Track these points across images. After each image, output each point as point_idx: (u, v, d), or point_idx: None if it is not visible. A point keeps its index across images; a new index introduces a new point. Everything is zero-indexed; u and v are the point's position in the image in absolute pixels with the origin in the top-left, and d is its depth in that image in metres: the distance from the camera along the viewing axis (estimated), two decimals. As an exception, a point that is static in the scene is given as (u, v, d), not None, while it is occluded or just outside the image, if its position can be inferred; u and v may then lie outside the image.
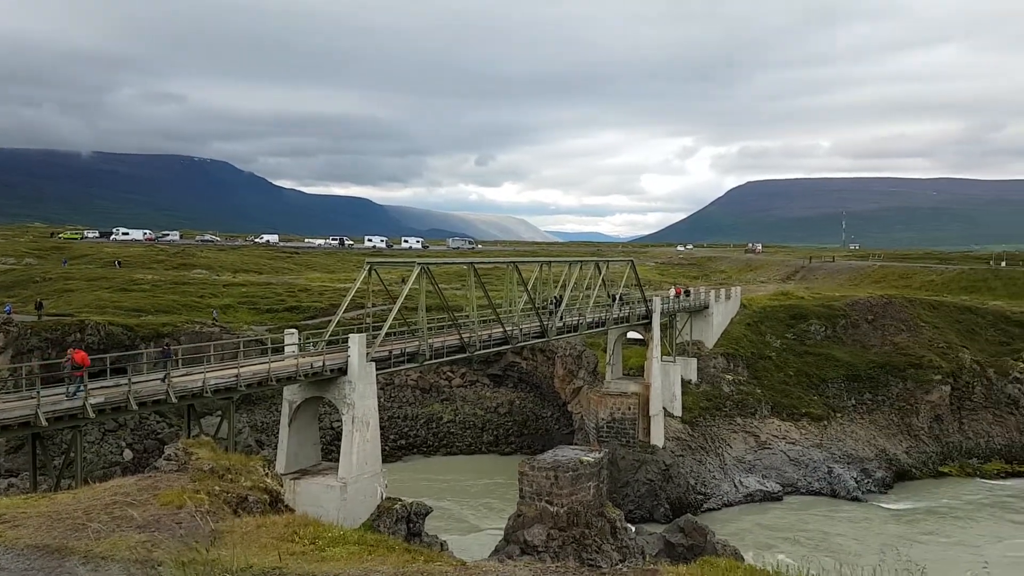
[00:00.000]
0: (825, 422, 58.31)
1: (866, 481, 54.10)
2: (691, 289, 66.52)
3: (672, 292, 63.10)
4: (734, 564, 9.85)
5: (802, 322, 66.47)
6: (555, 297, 44.49)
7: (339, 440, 31.24)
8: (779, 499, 51.49)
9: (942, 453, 59.65)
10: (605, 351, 55.44)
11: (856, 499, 51.90)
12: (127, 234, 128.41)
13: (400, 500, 31.24)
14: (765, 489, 51.88)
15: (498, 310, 38.89)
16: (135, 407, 23.49)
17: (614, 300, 48.65)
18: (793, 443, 56.11)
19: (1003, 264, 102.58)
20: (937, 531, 46.20)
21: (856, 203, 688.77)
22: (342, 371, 29.76)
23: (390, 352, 32.24)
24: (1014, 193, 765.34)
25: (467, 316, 37.62)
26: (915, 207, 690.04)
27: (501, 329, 38.15)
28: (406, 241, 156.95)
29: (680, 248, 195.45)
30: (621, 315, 49.90)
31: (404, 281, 39.88)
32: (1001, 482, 56.57)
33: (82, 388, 22.48)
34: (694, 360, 58.16)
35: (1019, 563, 40.45)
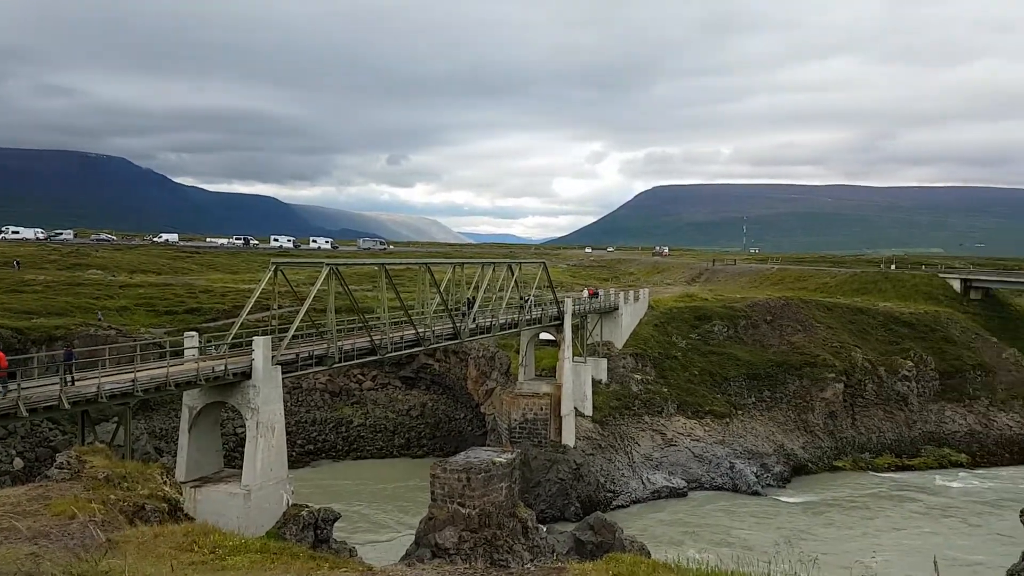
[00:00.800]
0: (727, 419, 60.27)
1: (766, 476, 56.22)
2: (599, 291, 67.64)
3: (585, 293, 64.01)
4: (638, 560, 10.01)
5: (706, 323, 68.54)
6: (468, 299, 44.45)
7: (243, 446, 30.27)
8: (684, 495, 52.93)
9: (836, 448, 62.52)
10: (518, 352, 55.76)
11: (756, 493, 53.86)
12: (17, 232, 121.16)
13: (307, 507, 30.52)
14: (671, 485, 53.25)
15: (410, 312, 38.56)
16: (25, 413, 22.18)
17: (522, 302, 48.82)
18: (698, 440, 57.76)
19: (893, 267, 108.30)
20: (832, 523, 48.42)
21: (756, 208, 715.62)
22: (246, 375, 28.85)
23: (297, 355, 31.50)
24: (904, 199, 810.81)
25: (378, 318, 37.12)
26: (812, 213, 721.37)
27: (413, 331, 37.83)
28: (314, 241, 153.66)
29: (588, 250, 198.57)
30: (533, 316, 50.27)
31: (313, 282, 39.06)
32: (891, 475, 59.75)
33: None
34: (604, 360, 59.15)
35: (906, 551, 42.74)
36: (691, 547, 40.37)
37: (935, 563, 9.45)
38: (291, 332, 31.29)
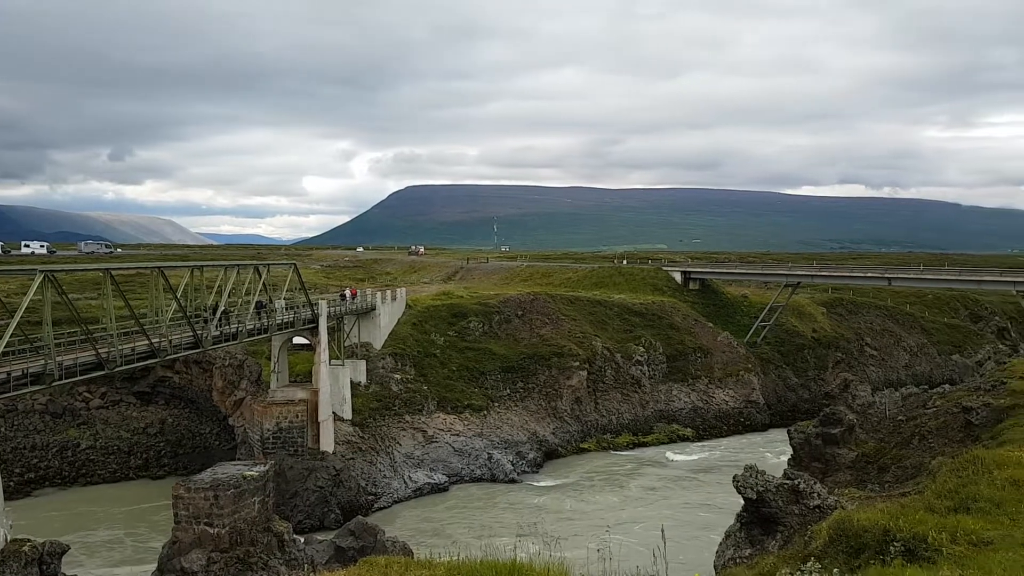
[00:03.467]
0: (485, 412, 62.04)
1: (521, 463, 58.70)
2: (347, 292, 66.15)
3: (348, 293, 62.70)
4: (392, 560, 9.80)
5: (463, 319, 70.03)
6: (212, 305, 41.46)
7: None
8: (446, 490, 53.70)
9: (582, 431, 66.80)
10: (269, 359, 53.18)
11: (513, 481, 56.05)
12: None
13: (30, 540, 26.94)
14: (433, 481, 53.76)
15: (142, 320, 35.18)
16: None
17: (261, 306, 46.26)
18: (457, 435, 58.84)
19: (624, 263, 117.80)
20: (580, 501, 51.57)
21: (504, 208, 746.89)
22: (-61, 401, 24.65)
23: (8, 374, 27.47)
24: (633, 200, 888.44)
25: (104, 328, 33.42)
26: (554, 212, 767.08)
27: (147, 341, 34.55)
28: (27, 246, 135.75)
29: (360, 249, 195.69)
30: (285, 320, 48.17)
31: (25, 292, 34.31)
32: (630, 452, 64.98)
33: None
34: (363, 362, 58.23)
35: (639, 520, 46.28)
36: (449, 540, 40.95)
37: (662, 531, 10.19)
38: (-3, 348, 27.18)
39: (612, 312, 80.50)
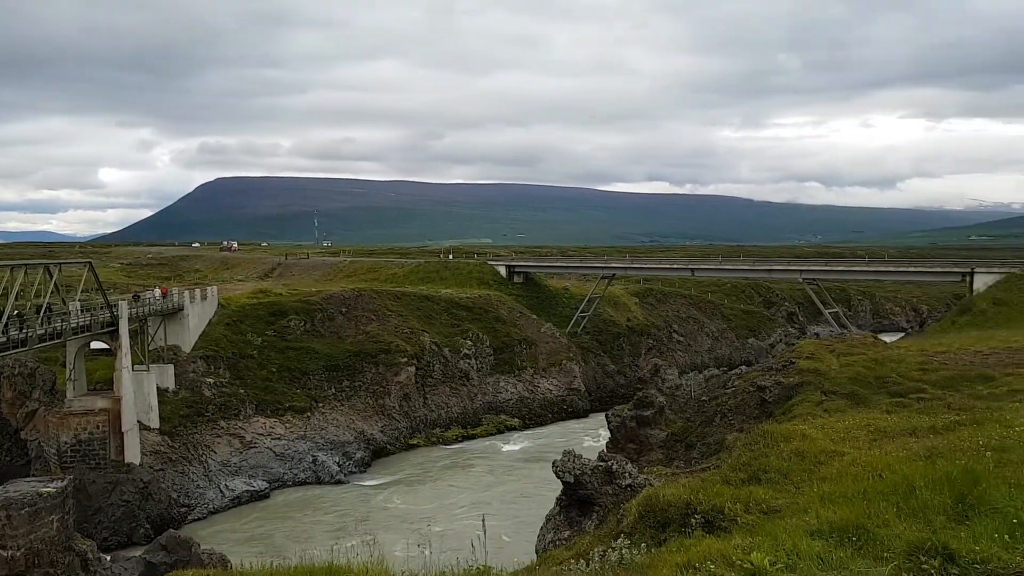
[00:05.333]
0: (308, 413, 60.24)
1: (348, 464, 57.58)
2: (157, 291, 62.05)
3: (157, 292, 58.59)
4: (203, 573, 9.32)
5: (282, 318, 67.54)
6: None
7: None
8: (267, 496, 51.69)
9: (411, 427, 66.56)
10: (64, 366, 48.70)
11: (339, 482, 54.86)
12: None
13: None
14: (253, 489, 51.59)
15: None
16: None
17: (42, 310, 42.00)
18: (279, 438, 56.76)
19: (451, 257, 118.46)
20: (407, 497, 51.36)
21: (325, 202, 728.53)
22: None
23: None
24: (457, 195, 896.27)
25: None
26: (377, 207, 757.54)
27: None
28: None
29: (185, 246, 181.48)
30: (81, 324, 44.28)
31: None
32: (459, 445, 65.57)
33: None
34: (170, 367, 54.70)
35: (464, 512, 46.52)
36: (269, 547, 39.52)
37: (482, 521, 10.39)
38: None
39: (439, 307, 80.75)
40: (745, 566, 7.07)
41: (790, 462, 13.28)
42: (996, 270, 67.09)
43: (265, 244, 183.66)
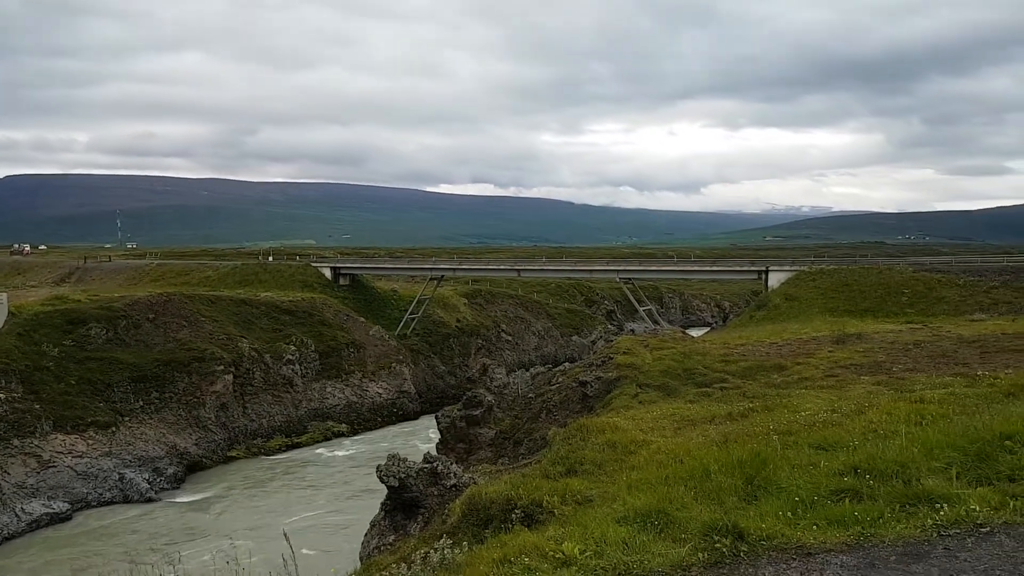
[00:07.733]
0: (114, 428, 55.87)
1: (158, 480, 54.03)
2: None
3: None
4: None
5: (81, 326, 62.21)
6: None
7: None
8: (69, 518, 47.56)
9: (230, 439, 63.40)
10: None
11: (150, 500, 51.35)
12: None
13: None
14: (52, 511, 47.32)
15: None
16: None
17: None
18: (80, 456, 52.29)
19: (271, 259, 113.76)
20: (221, 514, 48.87)
21: (129, 201, 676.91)
22: None
23: None
24: (276, 194, 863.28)
25: None
26: (187, 206, 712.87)
27: None
28: None
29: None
30: None
31: None
32: (283, 455, 63.20)
33: None
34: (-52, 383, 48.93)
35: (279, 524, 45.00)
36: (66, 573, 36.49)
37: (285, 534, 10.13)
38: None
39: (259, 311, 77.50)
40: (557, 556, 7.38)
41: (603, 453, 13.94)
42: (787, 268, 73.68)
43: (43, 248, 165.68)
